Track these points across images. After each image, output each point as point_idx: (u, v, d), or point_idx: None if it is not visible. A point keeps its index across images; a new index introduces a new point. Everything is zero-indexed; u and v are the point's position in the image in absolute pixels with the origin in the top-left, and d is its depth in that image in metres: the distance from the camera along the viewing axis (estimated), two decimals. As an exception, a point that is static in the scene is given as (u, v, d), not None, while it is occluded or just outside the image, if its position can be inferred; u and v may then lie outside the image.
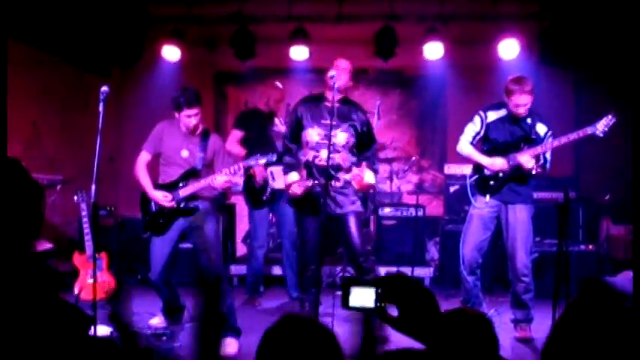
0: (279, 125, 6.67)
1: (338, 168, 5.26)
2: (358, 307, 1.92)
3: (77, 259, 5.82)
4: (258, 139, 6.48)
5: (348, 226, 5.24)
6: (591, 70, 7.91)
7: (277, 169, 6.16)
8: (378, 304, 1.88)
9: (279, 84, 6.78)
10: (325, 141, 5.08)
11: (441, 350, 1.76)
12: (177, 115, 5.25)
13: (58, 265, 6.03)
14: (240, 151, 6.44)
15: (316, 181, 5.22)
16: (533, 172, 5.26)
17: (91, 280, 5.48)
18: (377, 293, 1.89)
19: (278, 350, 1.75)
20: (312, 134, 5.27)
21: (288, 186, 5.32)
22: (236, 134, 6.57)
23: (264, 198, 6.47)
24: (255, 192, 6.49)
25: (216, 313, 2.15)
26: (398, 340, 1.89)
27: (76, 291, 5.67)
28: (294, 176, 5.30)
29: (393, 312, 1.88)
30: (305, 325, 1.81)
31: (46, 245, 5.83)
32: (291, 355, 1.73)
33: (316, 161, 5.24)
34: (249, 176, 6.43)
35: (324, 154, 5.07)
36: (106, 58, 7.88)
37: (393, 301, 1.86)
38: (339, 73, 5.17)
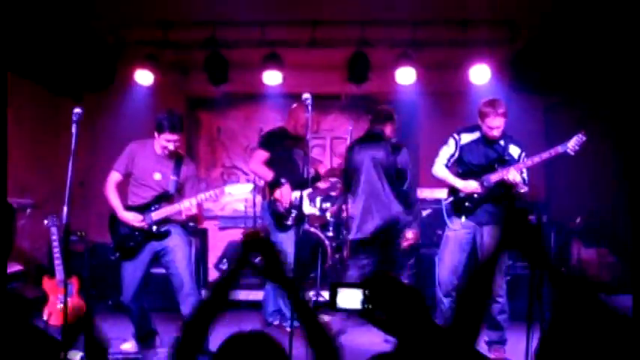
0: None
1: None
2: (345, 308, 1.90)
3: (47, 283, 5.69)
4: (285, 162, 6.24)
5: None
6: (561, 95, 8.02)
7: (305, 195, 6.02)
8: (365, 306, 1.86)
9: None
10: None
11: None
12: (156, 136, 5.19)
13: (25, 290, 5.91)
14: (265, 173, 6.19)
15: None
16: (521, 189, 5.29)
17: (60, 305, 5.37)
18: (364, 295, 1.87)
19: None
20: None
21: None
22: (262, 155, 6.24)
23: (289, 223, 6.17)
24: (279, 216, 6.18)
25: (193, 335, 2.12)
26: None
27: (45, 316, 5.55)
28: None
29: (381, 313, 1.87)
30: (253, 340, 1.79)
31: (14, 267, 5.71)
32: None
33: None
34: (272, 200, 6.18)
35: None
36: (78, 82, 7.79)
37: (381, 302, 1.85)
38: None
